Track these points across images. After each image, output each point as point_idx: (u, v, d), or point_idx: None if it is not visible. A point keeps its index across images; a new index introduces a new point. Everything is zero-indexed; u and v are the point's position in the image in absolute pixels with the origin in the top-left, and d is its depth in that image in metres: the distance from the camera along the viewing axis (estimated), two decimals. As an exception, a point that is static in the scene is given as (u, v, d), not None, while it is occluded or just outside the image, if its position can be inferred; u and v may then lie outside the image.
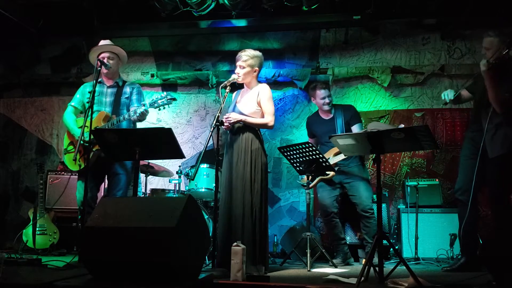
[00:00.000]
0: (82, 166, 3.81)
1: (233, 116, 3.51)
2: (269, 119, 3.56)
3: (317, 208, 5.35)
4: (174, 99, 3.72)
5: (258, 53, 3.66)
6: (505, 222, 3.43)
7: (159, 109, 3.75)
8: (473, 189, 3.56)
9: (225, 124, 3.51)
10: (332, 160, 4.14)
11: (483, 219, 4.71)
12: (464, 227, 3.59)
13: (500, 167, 3.50)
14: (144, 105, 3.75)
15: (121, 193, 3.93)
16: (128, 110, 3.97)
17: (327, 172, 4.14)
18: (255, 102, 3.57)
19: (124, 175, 3.95)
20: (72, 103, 4.11)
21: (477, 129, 3.61)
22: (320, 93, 4.31)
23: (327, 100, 4.31)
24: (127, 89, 4.07)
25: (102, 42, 4.16)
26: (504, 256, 2.51)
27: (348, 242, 4.42)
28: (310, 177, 4.02)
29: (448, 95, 3.73)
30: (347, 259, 4.20)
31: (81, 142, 3.63)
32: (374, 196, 4.29)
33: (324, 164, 3.94)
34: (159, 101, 3.69)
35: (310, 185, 4.20)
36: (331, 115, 4.35)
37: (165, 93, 3.73)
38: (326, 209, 4.24)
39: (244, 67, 3.60)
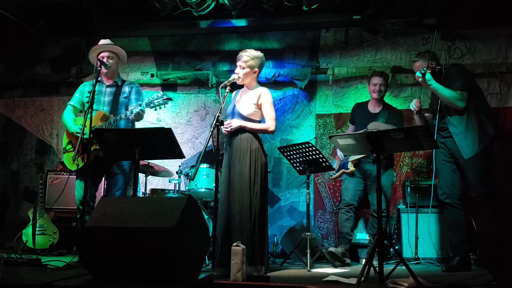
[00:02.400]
0: (81, 165, 3.81)
1: (234, 124, 3.51)
2: (270, 123, 3.56)
3: (317, 207, 5.36)
4: (171, 99, 3.73)
5: (259, 54, 3.66)
6: (504, 222, 3.45)
7: (155, 109, 3.76)
8: (456, 191, 3.71)
9: (225, 129, 3.51)
10: (356, 156, 4.19)
11: (481, 218, 4.70)
12: (453, 227, 3.72)
13: (477, 166, 3.63)
14: (140, 105, 3.76)
15: (119, 193, 3.93)
16: (126, 110, 3.97)
17: (349, 167, 4.28)
18: (254, 104, 3.57)
19: (122, 175, 3.95)
20: (71, 102, 4.11)
21: (448, 135, 3.76)
22: (374, 79, 4.38)
23: (377, 88, 4.34)
24: (126, 89, 4.08)
25: (102, 42, 4.16)
26: (504, 256, 2.51)
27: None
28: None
29: (414, 104, 3.88)
30: (346, 252, 4.19)
31: (81, 138, 3.63)
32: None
33: (324, 164, 3.95)
34: (155, 101, 3.70)
35: (335, 176, 4.41)
36: (378, 110, 4.37)
37: (161, 93, 3.74)
38: (347, 200, 4.31)
39: (244, 68, 3.60)
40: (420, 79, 3.63)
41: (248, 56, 3.60)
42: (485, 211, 3.65)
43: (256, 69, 3.64)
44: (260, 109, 3.59)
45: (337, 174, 4.45)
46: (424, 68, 3.64)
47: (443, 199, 3.79)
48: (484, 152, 3.64)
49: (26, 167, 5.95)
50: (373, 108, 4.41)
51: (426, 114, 4.00)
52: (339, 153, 4.47)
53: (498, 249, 2.58)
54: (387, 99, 5.39)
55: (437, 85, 3.66)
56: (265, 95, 3.59)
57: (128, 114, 3.77)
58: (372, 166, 4.23)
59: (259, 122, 3.63)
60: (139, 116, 3.83)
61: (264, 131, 3.62)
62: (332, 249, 4.08)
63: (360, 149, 3.11)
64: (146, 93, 5.67)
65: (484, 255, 2.77)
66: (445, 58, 5.36)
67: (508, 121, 5.05)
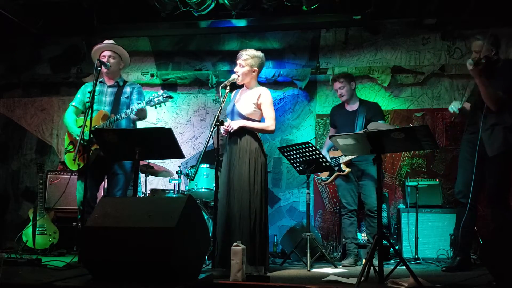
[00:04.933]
0: (81, 165, 3.81)
1: (235, 125, 3.51)
2: (270, 123, 3.56)
3: (317, 207, 5.36)
4: (171, 97, 3.73)
5: (259, 53, 3.66)
6: (505, 222, 3.43)
7: (156, 107, 3.75)
8: (473, 191, 3.55)
9: (223, 129, 3.51)
10: (347, 157, 4.16)
11: (483, 218, 4.70)
12: (464, 227, 3.58)
13: (499, 165, 3.50)
14: (139, 103, 3.76)
15: (120, 193, 3.93)
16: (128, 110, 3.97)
17: (343, 169, 4.22)
18: (254, 104, 3.57)
19: (123, 175, 3.95)
20: (73, 103, 4.12)
21: (474, 131, 3.61)
22: (335, 85, 4.42)
23: (338, 93, 4.36)
24: (127, 89, 4.08)
25: (106, 42, 4.16)
26: (504, 256, 2.51)
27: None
28: (328, 173, 4.23)
29: (454, 106, 3.69)
30: (358, 260, 4.16)
31: (81, 141, 3.64)
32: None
33: (324, 164, 3.95)
34: (156, 99, 3.70)
35: (328, 181, 4.34)
36: (355, 108, 4.34)
37: (162, 91, 3.73)
38: (348, 206, 4.27)
39: (243, 66, 3.61)
40: (470, 67, 3.39)
41: (248, 54, 3.60)
42: (492, 212, 3.62)
43: (256, 68, 3.64)
44: (260, 108, 3.59)
45: (331, 178, 4.35)
46: (473, 59, 3.41)
47: (459, 198, 3.68)
48: (508, 155, 3.48)
49: (26, 167, 5.95)
50: (350, 107, 4.39)
51: (465, 105, 3.78)
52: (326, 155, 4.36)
53: (498, 249, 2.58)
54: (387, 99, 5.41)
55: (484, 81, 3.43)
56: (265, 95, 3.59)
57: (129, 113, 3.78)
58: (364, 165, 4.21)
59: (259, 121, 3.63)
60: (141, 114, 3.82)
61: (264, 131, 3.61)
62: (345, 263, 4.04)
63: (360, 149, 3.11)
64: (146, 93, 5.65)
65: (484, 255, 2.77)
66: (445, 58, 5.37)
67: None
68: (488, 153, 3.49)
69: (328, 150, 4.42)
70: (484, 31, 3.55)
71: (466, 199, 3.58)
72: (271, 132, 3.62)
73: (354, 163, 4.23)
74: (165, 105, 3.76)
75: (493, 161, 3.49)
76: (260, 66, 3.68)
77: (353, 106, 4.36)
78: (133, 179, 3.38)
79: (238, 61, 3.64)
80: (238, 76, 3.61)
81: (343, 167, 4.24)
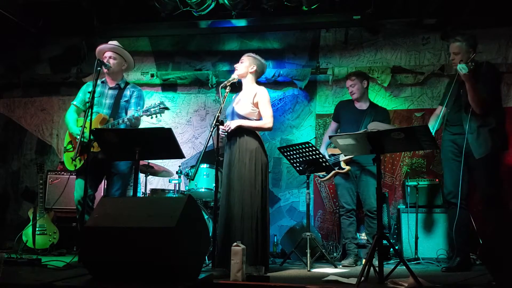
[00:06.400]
0: (78, 166, 3.81)
1: (233, 125, 3.54)
2: (267, 120, 3.59)
3: (317, 207, 5.36)
4: (167, 108, 3.75)
5: (262, 60, 3.77)
6: (503, 222, 3.43)
7: (151, 117, 3.76)
8: (462, 190, 3.59)
9: (222, 129, 3.53)
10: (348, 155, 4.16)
11: (482, 219, 4.69)
12: (457, 227, 3.59)
13: (487, 167, 3.54)
14: (138, 110, 3.77)
15: (119, 193, 3.93)
16: (126, 114, 3.97)
17: (343, 167, 4.21)
18: (251, 103, 3.60)
19: (121, 175, 3.94)
20: (74, 102, 4.12)
21: (458, 132, 3.64)
22: (347, 83, 4.44)
23: (349, 90, 4.37)
24: (127, 92, 4.07)
25: (110, 43, 4.16)
26: (504, 256, 2.51)
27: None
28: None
29: (464, 68, 3.44)
30: (358, 260, 4.15)
31: (81, 140, 3.63)
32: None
33: (324, 164, 3.95)
34: (152, 109, 3.71)
35: (326, 178, 4.34)
36: (364, 108, 4.34)
37: (159, 101, 3.73)
38: (346, 206, 4.25)
39: (243, 62, 3.72)
40: (464, 72, 3.34)
41: (251, 54, 3.75)
42: (489, 212, 3.63)
43: (254, 66, 3.70)
44: (257, 107, 3.61)
45: (328, 176, 4.35)
46: (465, 65, 3.36)
47: (450, 198, 3.70)
48: (495, 156, 3.54)
49: (26, 167, 5.95)
50: (360, 105, 4.38)
51: (437, 111, 3.82)
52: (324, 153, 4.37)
53: (498, 249, 2.58)
54: (387, 99, 5.41)
55: (474, 85, 3.44)
56: (261, 93, 3.62)
57: (126, 120, 3.78)
58: (364, 162, 4.18)
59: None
60: (134, 122, 3.83)
61: (261, 128, 3.64)
62: (345, 263, 4.04)
63: (360, 149, 3.11)
64: (146, 93, 5.68)
65: (484, 255, 2.77)
66: (445, 58, 5.37)
67: (508, 121, 5.05)
68: (475, 155, 3.53)
69: (327, 148, 4.41)
70: (466, 32, 3.55)
71: (456, 199, 3.62)
72: (269, 129, 3.66)
73: (355, 161, 4.22)
74: (161, 116, 3.78)
75: (480, 163, 3.53)
76: (260, 68, 3.74)
77: (362, 106, 4.36)
78: (131, 179, 3.39)
79: (240, 59, 3.76)
80: (236, 69, 3.71)
81: (342, 164, 4.23)
